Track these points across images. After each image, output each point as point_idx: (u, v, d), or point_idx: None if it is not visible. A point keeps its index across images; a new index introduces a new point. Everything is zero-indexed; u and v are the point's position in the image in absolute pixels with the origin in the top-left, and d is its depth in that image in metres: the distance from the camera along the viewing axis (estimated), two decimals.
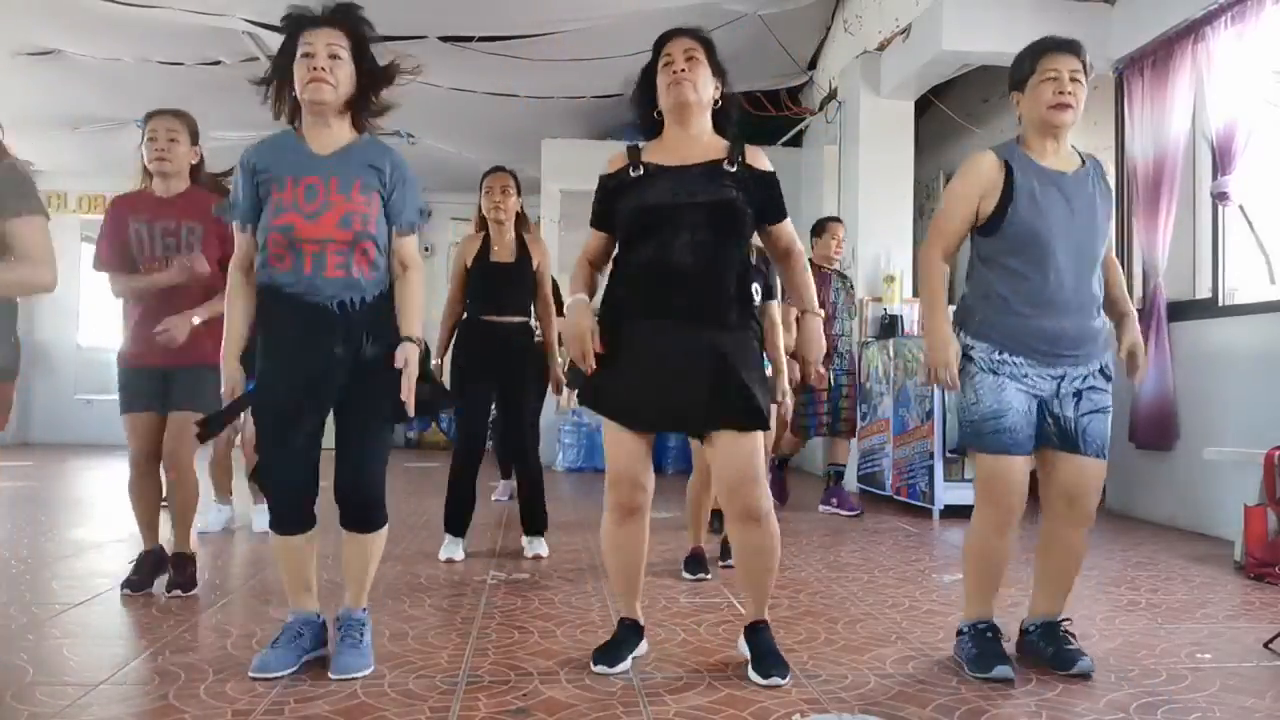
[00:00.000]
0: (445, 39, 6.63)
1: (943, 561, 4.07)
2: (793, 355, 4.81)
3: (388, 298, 2.44)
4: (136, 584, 3.26)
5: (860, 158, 6.65)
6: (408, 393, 2.36)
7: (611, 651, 2.48)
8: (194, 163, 3.33)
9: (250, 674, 2.34)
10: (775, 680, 2.33)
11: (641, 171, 2.44)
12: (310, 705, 2.17)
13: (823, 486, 5.65)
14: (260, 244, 2.38)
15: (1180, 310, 5.00)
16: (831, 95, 7.30)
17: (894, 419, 5.75)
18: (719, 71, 2.48)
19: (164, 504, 3.36)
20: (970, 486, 4.73)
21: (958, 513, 5.02)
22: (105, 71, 7.07)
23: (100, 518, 5.20)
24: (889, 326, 6.36)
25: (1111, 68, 5.47)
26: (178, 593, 3.22)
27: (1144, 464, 5.14)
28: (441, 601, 3.24)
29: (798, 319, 2.67)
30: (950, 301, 2.52)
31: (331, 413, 2.44)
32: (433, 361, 3.77)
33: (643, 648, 2.59)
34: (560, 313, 4.28)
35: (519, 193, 4.14)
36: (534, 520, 4.13)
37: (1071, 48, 2.40)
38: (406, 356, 2.37)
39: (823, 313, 2.60)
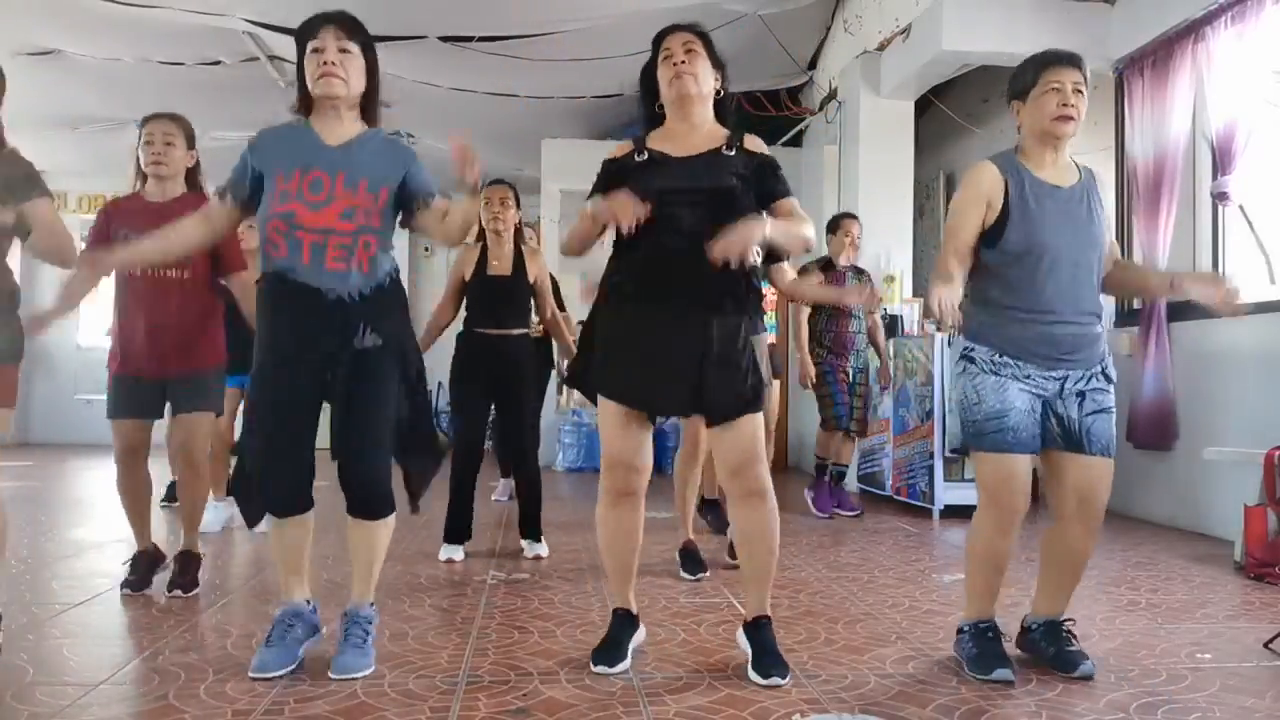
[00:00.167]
0: (445, 39, 6.63)
1: (943, 561, 4.07)
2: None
3: (387, 292, 2.45)
4: (135, 584, 3.28)
5: (860, 158, 6.64)
6: (470, 166, 2.32)
7: (610, 650, 2.48)
8: (190, 166, 3.36)
9: (250, 674, 2.34)
10: (775, 680, 2.33)
11: (646, 157, 2.46)
12: (310, 705, 2.17)
13: (814, 479, 5.55)
14: (261, 233, 2.41)
15: (1180, 310, 4.99)
16: (831, 95, 7.29)
17: (894, 419, 5.76)
18: (718, 64, 2.52)
19: (172, 504, 3.36)
20: (971, 486, 4.73)
21: (958, 513, 5.03)
22: (105, 72, 7.07)
23: (100, 518, 5.20)
24: (889, 327, 6.34)
25: (1111, 68, 5.46)
26: (178, 593, 3.23)
27: (1144, 464, 5.14)
28: (441, 601, 3.24)
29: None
30: None
31: (332, 407, 2.44)
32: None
33: (641, 635, 2.60)
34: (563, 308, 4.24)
35: (518, 205, 4.17)
36: (529, 526, 4.15)
37: (1074, 60, 2.42)
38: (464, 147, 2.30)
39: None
